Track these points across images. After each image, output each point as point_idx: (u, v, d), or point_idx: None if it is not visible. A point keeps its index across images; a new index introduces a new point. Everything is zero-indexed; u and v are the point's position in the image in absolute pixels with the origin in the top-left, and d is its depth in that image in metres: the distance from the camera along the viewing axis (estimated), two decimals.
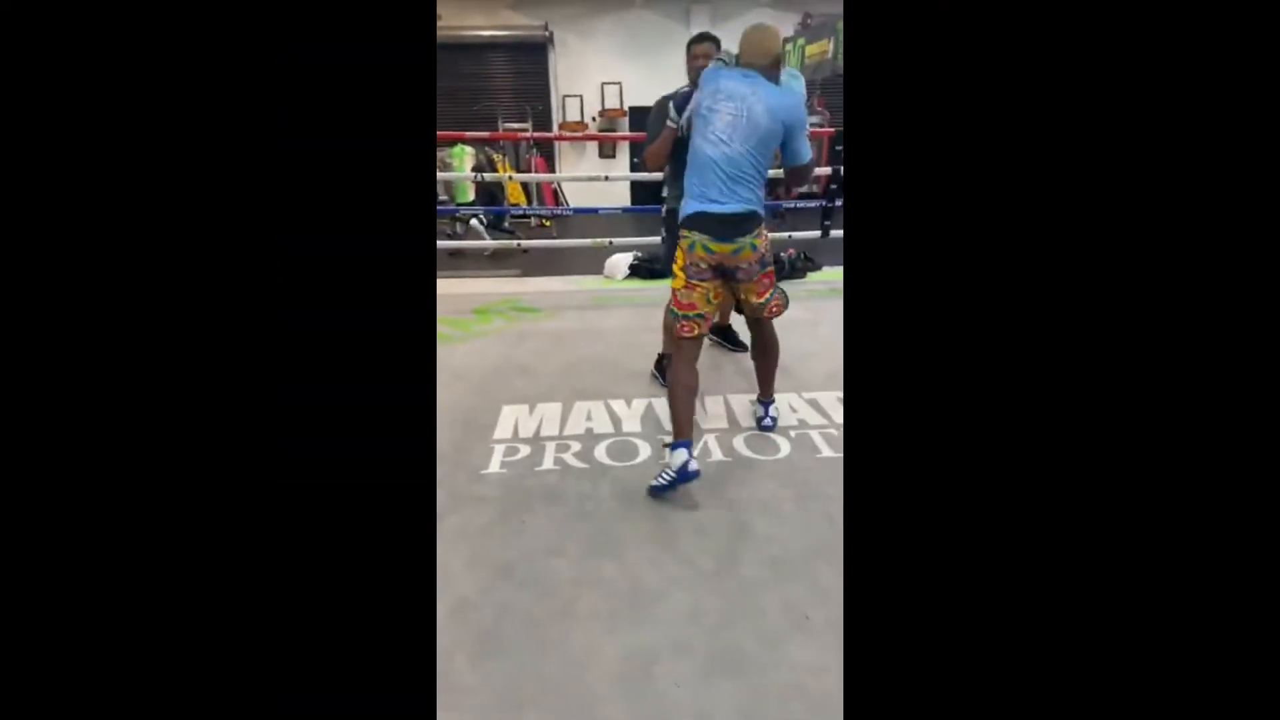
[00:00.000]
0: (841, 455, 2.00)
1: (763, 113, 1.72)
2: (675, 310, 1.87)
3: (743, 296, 1.95)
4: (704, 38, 2.23)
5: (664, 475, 1.75)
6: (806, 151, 1.83)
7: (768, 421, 2.15)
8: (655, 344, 2.19)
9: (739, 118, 1.72)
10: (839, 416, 2.25)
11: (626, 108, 9.27)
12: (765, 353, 2.11)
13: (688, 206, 1.81)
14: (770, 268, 1.91)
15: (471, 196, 5.59)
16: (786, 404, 2.34)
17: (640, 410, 2.31)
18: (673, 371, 1.89)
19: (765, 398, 2.17)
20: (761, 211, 1.82)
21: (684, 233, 1.81)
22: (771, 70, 1.77)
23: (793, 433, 2.15)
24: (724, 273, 1.85)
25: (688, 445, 1.75)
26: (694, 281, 1.83)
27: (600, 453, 2.04)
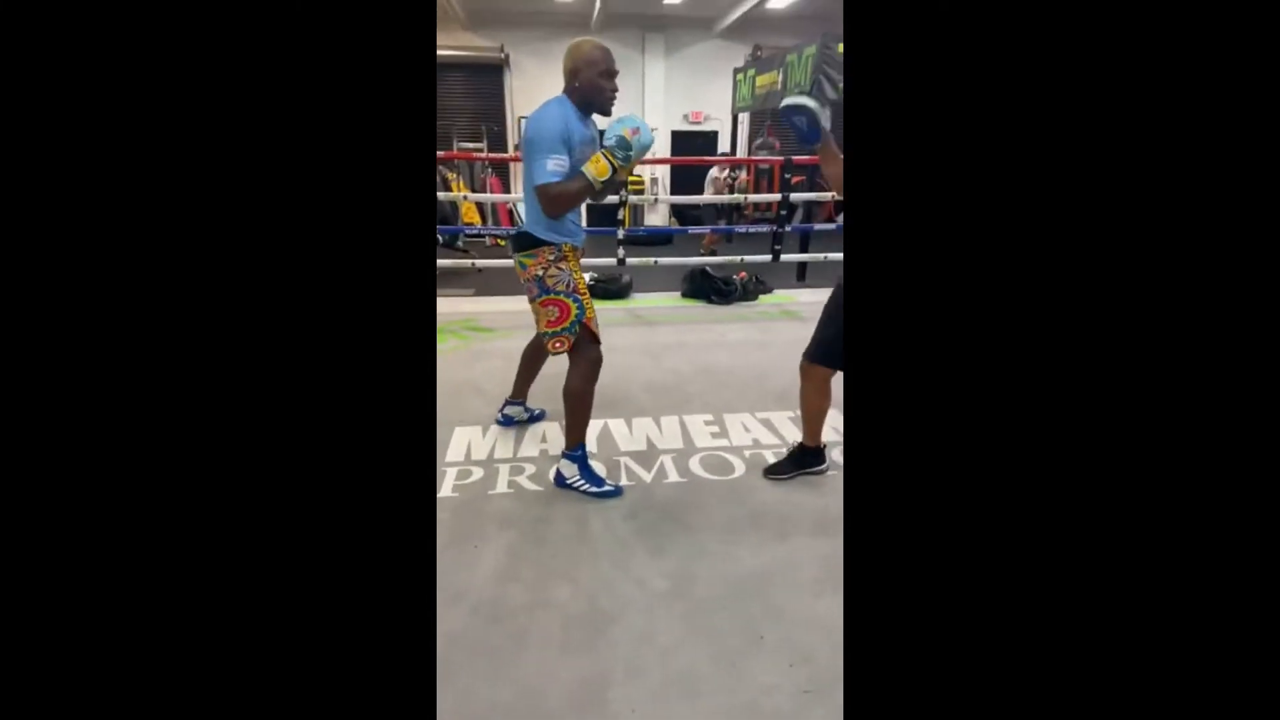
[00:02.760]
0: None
1: (524, 139, 1.71)
2: None
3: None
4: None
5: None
6: (538, 173, 1.65)
7: (553, 474, 1.95)
8: (611, 366, 2.19)
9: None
10: (790, 435, 2.29)
11: None
12: (564, 397, 1.88)
13: None
14: (553, 298, 1.80)
15: None
16: (740, 424, 2.38)
17: (595, 430, 2.30)
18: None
19: (567, 448, 1.92)
20: (541, 235, 1.78)
21: None
22: (571, 84, 1.71)
23: (747, 453, 2.18)
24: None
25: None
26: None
27: (555, 474, 2.02)
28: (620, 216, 4.37)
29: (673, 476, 2.03)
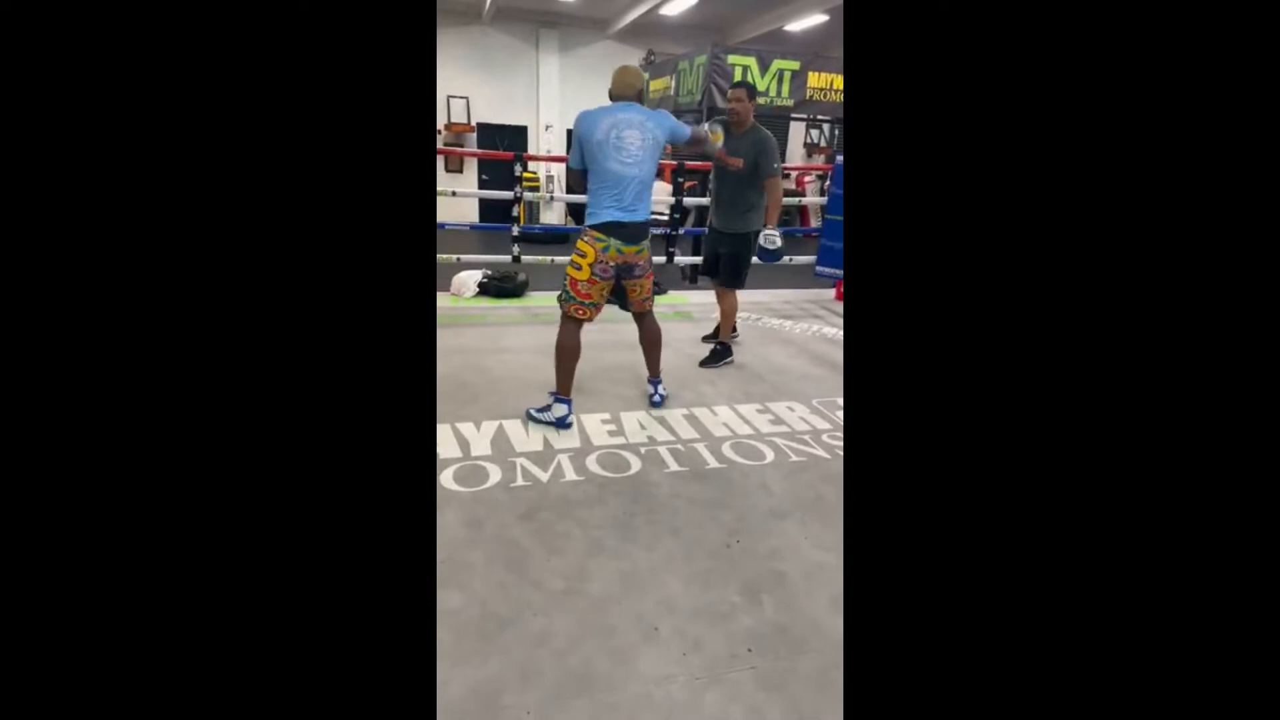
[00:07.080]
0: (685, 469, 2.10)
1: (656, 132, 2.23)
2: (572, 294, 2.27)
3: (629, 293, 2.40)
4: (738, 84, 2.96)
5: (544, 414, 2.32)
6: (684, 130, 2.34)
7: (656, 398, 2.58)
8: (506, 366, 2.15)
9: (646, 142, 2.20)
10: (684, 432, 2.36)
11: (474, 123, 9.09)
12: (653, 342, 2.53)
13: (604, 215, 2.20)
14: (651, 271, 2.40)
15: None
16: (636, 421, 2.41)
17: (490, 432, 2.25)
18: (560, 337, 2.29)
19: (654, 377, 2.60)
20: (649, 226, 2.33)
21: (599, 236, 2.20)
22: (635, 101, 2.24)
23: (643, 449, 2.21)
24: (623, 271, 2.29)
25: (568, 402, 2.32)
26: (597, 278, 2.25)
27: (447, 478, 1.95)
28: (515, 214, 4.29)
29: (570, 475, 2.02)
